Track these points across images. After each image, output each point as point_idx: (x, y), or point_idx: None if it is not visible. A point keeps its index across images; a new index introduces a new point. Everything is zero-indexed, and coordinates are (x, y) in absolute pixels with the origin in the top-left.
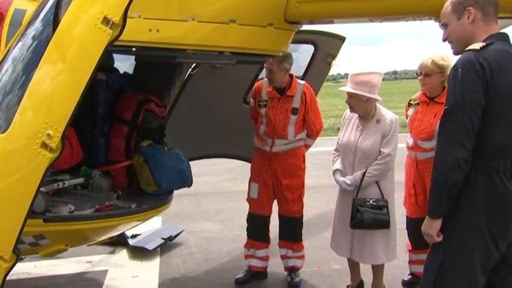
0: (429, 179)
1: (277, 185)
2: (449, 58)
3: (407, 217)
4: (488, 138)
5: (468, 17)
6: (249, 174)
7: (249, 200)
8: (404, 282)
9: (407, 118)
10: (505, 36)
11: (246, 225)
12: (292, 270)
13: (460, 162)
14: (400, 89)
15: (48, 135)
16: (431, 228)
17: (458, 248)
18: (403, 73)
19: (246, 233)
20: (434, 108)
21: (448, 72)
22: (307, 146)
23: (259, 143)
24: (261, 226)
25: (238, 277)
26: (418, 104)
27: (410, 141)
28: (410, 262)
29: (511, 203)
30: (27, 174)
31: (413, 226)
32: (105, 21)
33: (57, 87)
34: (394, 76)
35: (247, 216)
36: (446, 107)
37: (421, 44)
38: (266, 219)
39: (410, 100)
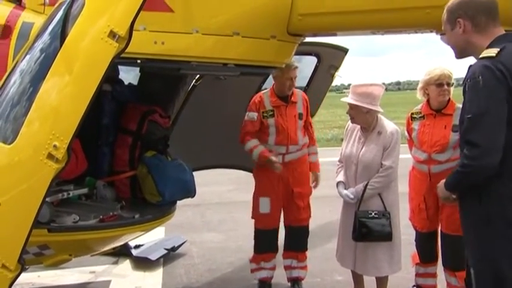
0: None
1: (287, 195)
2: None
3: (417, 231)
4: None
5: (459, 27)
6: (253, 185)
7: (259, 216)
8: None
9: (410, 131)
10: (510, 37)
11: (254, 241)
12: (296, 282)
13: (490, 166)
14: (404, 100)
15: (55, 146)
16: (447, 195)
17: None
18: (406, 84)
19: (249, 243)
20: (443, 120)
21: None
22: (315, 154)
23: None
24: (272, 239)
25: None
26: (423, 116)
27: (423, 156)
28: (417, 275)
29: None
30: (34, 184)
31: (424, 240)
32: (112, 34)
33: (63, 99)
34: (397, 87)
35: (256, 233)
36: (469, 116)
37: (424, 55)
38: (276, 232)
39: (412, 114)
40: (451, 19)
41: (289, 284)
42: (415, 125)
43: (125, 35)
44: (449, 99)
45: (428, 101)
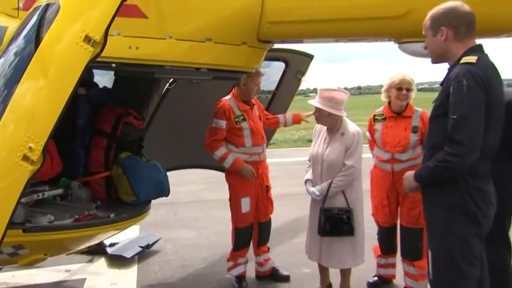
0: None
1: (262, 191)
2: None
3: (379, 226)
4: (483, 142)
5: (441, 35)
6: (225, 184)
7: (240, 215)
8: (369, 284)
9: (372, 132)
10: (482, 48)
11: (234, 240)
12: (274, 269)
13: (469, 163)
14: (365, 103)
15: (30, 148)
16: (414, 186)
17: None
18: (366, 88)
19: (221, 240)
20: (403, 122)
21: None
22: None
23: (248, 156)
24: (250, 234)
25: (237, 287)
26: (385, 118)
27: (386, 155)
28: (379, 266)
29: (491, 195)
30: (8, 186)
31: (386, 234)
32: (87, 39)
33: (39, 102)
34: (358, 91)
35: (237, 232)
36: (454, 117)
37: (382, 62)
38: (252, 226)
39: (375, 115)
40: (434, 26)
41: (256, 279)
42: (378, 126)
43: (100, 40)
44: (408, 103)
45: (389, 103)
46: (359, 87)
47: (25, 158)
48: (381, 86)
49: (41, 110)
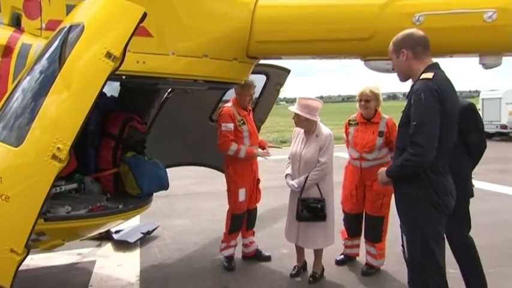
0: (370, 181)
1: (254, 183)
2: (380, 88)
3: (346, 213)
4: (441, 143)
5: (403, 56)
6: (213, 179)
7: (237, 204)
8: (337, 262)
9: (347, 134)
10: (438, 65)
11: (229, 225)
12: (257, 251)
13: (428, 161)
14: (325, 110)
15: (58, 148)
16: (386, 180)
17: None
18: (327, 98)
19: (211, 226)
20: (371, 127)
21: (380, 99)
22: None
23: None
24: (242, 220)
25: (227, 266)
26: (357, 123)
27: (356, 154)
28: (346, 246)
29: (450, 186)
30: (40, 180)
31: (352, 220)
32: (108, 55)
33: (66, 110)
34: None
35: (233, 218)
36: (414, 123)
37: (340, 76)
38: (245, 213)
39: (349, 120)
40: (396, 50)
41: (243, 259)
42: (351, 130)
43: (120, 55)
44: (376, 110)
45: None
46: (321, 97)
47: (54, 156)
48: (339, 96)
49: (68, 115)
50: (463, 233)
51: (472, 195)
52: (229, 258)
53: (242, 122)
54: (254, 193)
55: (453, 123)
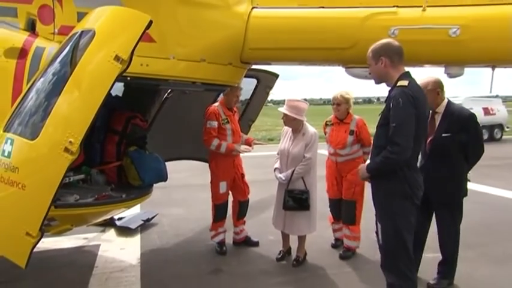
0: (345, 173)
1: (238, 178)
2: (351, 93)
3: (330, 199)
4: (414, 142)
5: (381, 63)
6: (205, 172)
7: (219, 195)
8: (332, 245)
9: (325, 134)
10: (410, 74)
11: (213, 214)
12: (249, 238)
13: (405, 159)
14: (308, 112)
15: (70, 142)
16: (366, 176)
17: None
18: (310, 100)
19: (204, 215)
20: (344, 127)
21: (351, 102)
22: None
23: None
24: (225, 209)
25: (219, 250)
26: (332, 124)
27: (331, 150)
28: (334, 230)
29: (420, 180)
30: (53, 171)
31: (335, 204)
32: (117, 58)
33: (77, 107)
34: None
35: (216, 207)
36: (394, 125)
37: (323, 81)
38: (228, 203)
39: (326, 121)
40: (375, 57)
41: (233, 245)
42: (327, 129)
43: (127, 59)
44: (349, 112)
45: None
46: (305, 99)
47: (66, 149)
48: (321, 99)
49: (80, 112)
50: (455, 224)
51: (466, 195)
52: (220, 244)
53: (226, 121)
54: (241, 187)
55: (424, 126)
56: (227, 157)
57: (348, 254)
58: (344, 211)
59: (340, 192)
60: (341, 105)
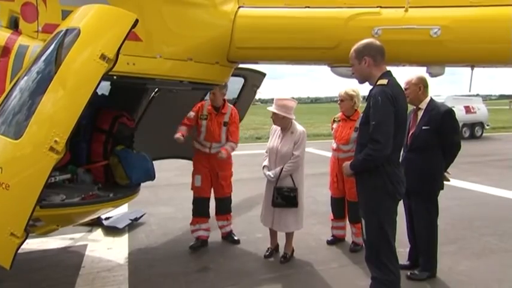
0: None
1: (214, 176)
2: (357, 90)
3: (331, 197)
4: (394, 139)
5: (365, 63)
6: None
7: (194, 188)
8: (328, 241)
9: (332, 130)
10: (391, 73)
11: (192, 208)
12: (230, 234)
13: (386, 155)
14: (295, 110)
15: (56, 141)
16: (350, 173)
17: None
18: (297, 99)
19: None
20: (350, 123)
21: (356, 99)
22: (229, 146)
23: (200, 147)
24: (204, 205)
25: (191, 245)
26: (339, 120)
27: (335, 146)
28: (332, 228)
29: (402, 175)
30: (38, 170)
31: (336, 203)
32: (103, 57)
33: (62, 106)
34: None
35: (193, 200)
36: (373, 123)
37: (309, 80)
38: (207, 200)
39: (334, 118)
40: (359, 56)
41: (221, 240)
42: (334, 125)
43: (113, 57)
44: (356, 109)
45: None
46: (292, 98)
47: (51, 149)
48: (308, 98)
49: (65, 111)
50: (429, 216)
51: (442, 188)
52: (198, 239)
53: (204, 117)
54: (219, 185)
55: (403, 123)
56: (200, 152)
57: (356, 248)
58: (349, 211)
59: (341, 191)
60: (344, 102)
